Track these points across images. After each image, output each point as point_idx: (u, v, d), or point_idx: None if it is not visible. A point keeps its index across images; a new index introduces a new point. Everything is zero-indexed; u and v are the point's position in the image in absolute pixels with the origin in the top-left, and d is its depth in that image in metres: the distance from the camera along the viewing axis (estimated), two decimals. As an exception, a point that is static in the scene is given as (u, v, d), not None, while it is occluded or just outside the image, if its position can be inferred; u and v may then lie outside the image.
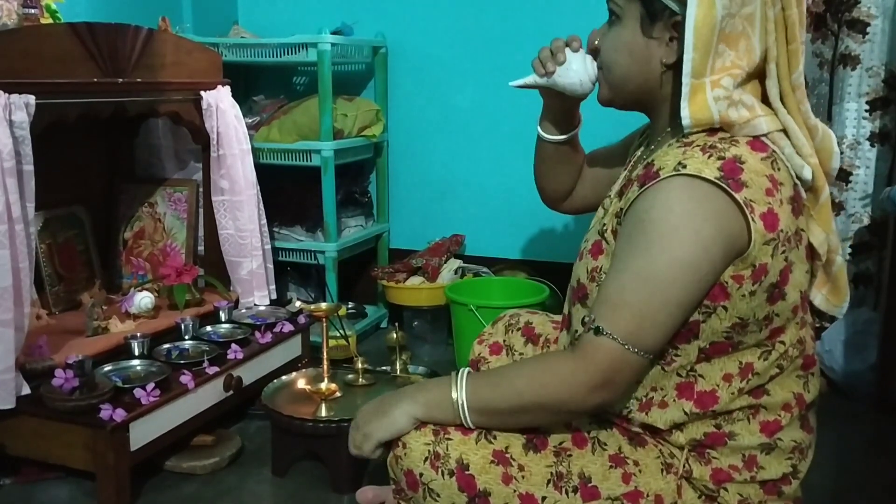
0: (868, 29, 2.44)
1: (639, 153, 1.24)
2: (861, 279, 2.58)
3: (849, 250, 2.57)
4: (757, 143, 1.06)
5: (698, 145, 1.04)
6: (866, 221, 2.55)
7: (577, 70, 1.23)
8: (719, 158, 1.01)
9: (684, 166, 1.01)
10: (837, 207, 2.55)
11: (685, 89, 1.05)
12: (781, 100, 1.10)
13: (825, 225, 1.15)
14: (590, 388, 1.03)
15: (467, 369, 1.13)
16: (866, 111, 2.49)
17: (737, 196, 0.99)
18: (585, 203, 1.44)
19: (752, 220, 0.99)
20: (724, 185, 0.99)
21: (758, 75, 1.10)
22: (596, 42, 1.19)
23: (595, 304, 1.05)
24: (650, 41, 1.10)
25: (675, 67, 1.09)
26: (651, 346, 1.03)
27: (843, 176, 2.54)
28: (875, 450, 2.18)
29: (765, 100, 1.11)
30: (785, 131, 1.09)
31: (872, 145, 2.51)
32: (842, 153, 2.52)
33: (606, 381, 1.03)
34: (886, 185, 2.42)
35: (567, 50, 1.24)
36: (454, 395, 1.08)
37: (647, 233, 1.01)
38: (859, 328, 2.44)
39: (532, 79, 1.23)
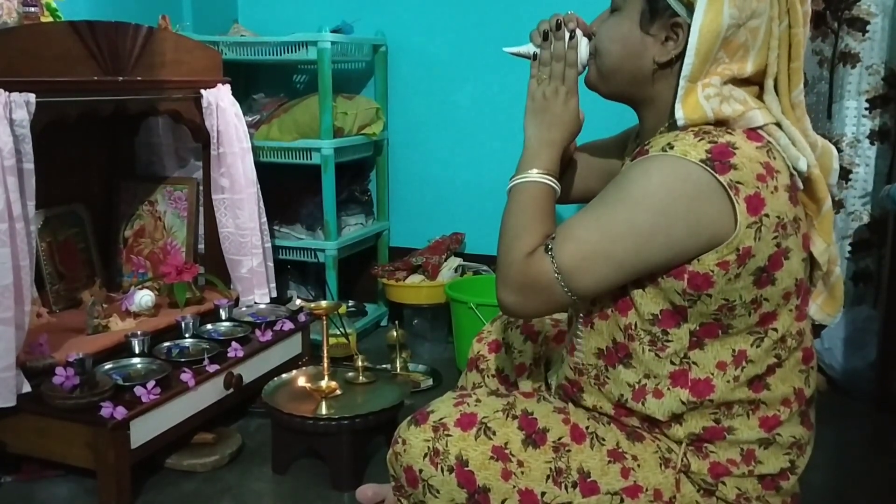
0: (868, 27, 2.45)
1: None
2: (861, 277, 2.59)
3: (848, 248, 2.58)
4: (753, 133, 1.07)
5: (692, 131, 1.06)
6: (866, 219, 2.55)
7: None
8: (710, 142, 1.03)
9: (672, 147, 1.03)
10: (837, 205, 2.56)
11: (680, 92, 1.07)
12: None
13: (826, 235, 1.16)
14: (510, 282, 1.10)
15: (541, 178, 1.16)
16: (866, 109, 2.49)
17: (721, 178, 1.00)
18: (574, 195, 1.42)
19: (737, 202, 1.00)
20: (708, 167, 1.00)
21: (749, 84, 1.10)
22: (593, 27, 1.19)
23: (559, 226, 1.11)
24: (646, 37, 1.11)
25: (667, 67, 1.11)
26: (580, 288, 1.07)
27: (843, 174, 2.54)
28: (874, 447, 2.18)
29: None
30: (779, 125, 1.09)
31: (872, 143, 2.51)
32: (841, 151, 2.52)
33: (523, 289, 1.09)
34: (886, 183, 2.42)
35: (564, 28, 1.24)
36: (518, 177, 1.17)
37: (621, 189, 1.06)
38: (859, 326, 2.44)
39: (527, 48, 1.23)
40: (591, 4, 1.29)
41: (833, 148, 1.16)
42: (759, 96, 1.11)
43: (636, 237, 1.03)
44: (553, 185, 1.16)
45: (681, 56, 1.07)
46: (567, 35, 1.18)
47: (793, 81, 1.10)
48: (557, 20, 1.18)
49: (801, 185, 1.11)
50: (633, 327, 1.09)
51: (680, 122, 1.07)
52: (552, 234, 1.10)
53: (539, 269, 1.07)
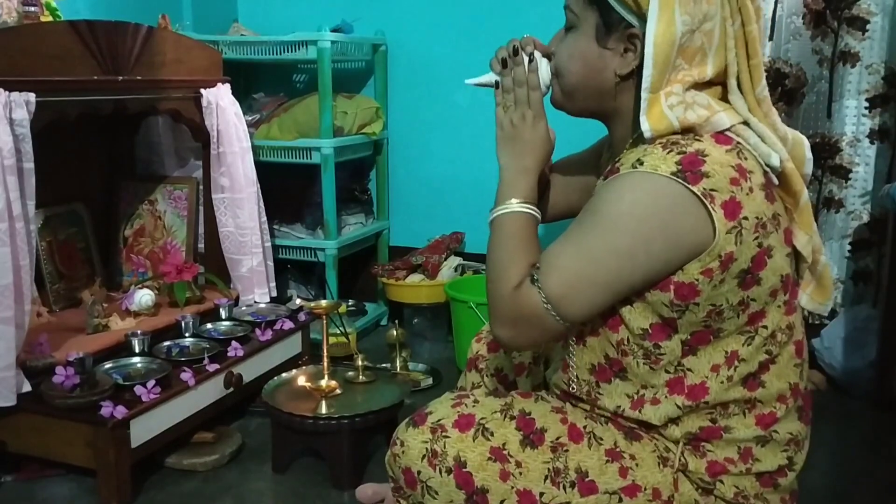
0: (868, 26, 2.44)
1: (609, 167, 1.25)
2: (861, 276, 2.59)
3: (848, 247, 2.58)
4: (721, 136, 1.07)
5: (660, 143, 1.06)
6: (866, 218, 2.55)
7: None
8: (679, 153, 1.02)
9: (641, 163, 1.03)
10: (837, 205, 2.56)
11: (643, 104, 1.07)
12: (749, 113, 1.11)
13: (806, 227, 1.15)
14: (502, 317, 1.10)
15: (521, 208, 1.15)
16: (866, 108, 2.49)
17: (694, 188, 1.00)
18: (555, 212, 1.42)
19: (713, 210, 1.00)
20: (679, 179, 1.00)
21: (713, 86, 1.10)
22: (552, 48, 1.19)
23: (541, 255, 1.10)
24: (604, 51, 1.11)
25: (629, 78, 1.11)
26: (571, 315, 1.06)
27: (843, 173, 2.54)
28: (874, 447, 2.18)
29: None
30: (747, 123, 1.09)
31: (872, 142, 2.51)
32: (841, 150, 2.52)
33: (516, 322, 1.09)
34: (886, 182, 2.42)
35: (522, 53, 1.24)
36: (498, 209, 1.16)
37: (595, 214, 1.06)
38: (859, 325, 2.44)
39: (489, 77, 1.23)
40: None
41: (804, 138, 1.16)
42: (724, 97, 1.11)
43: (617, 258, 1.03)
44: (533, 212, 1.16)
45: (642, 66, 1.06)
46: (526, 59, 1.18)
47: (754, 78, 1.10)
48: (514, 45, 1.19)
49: (776, 181, 1.11)
50: (625, 342, 1.09)
51: (647, 135, 1.06)
52: (538, 262, 1.10)
53: (528, 301, 1.07)
